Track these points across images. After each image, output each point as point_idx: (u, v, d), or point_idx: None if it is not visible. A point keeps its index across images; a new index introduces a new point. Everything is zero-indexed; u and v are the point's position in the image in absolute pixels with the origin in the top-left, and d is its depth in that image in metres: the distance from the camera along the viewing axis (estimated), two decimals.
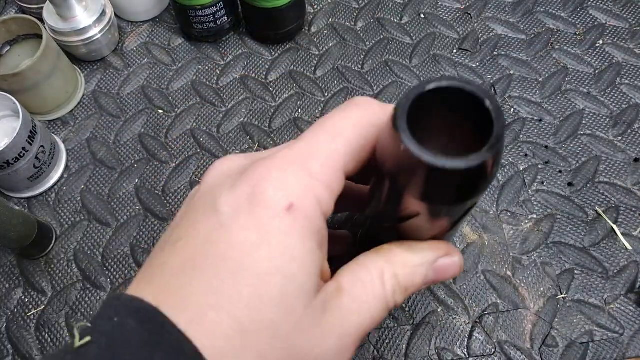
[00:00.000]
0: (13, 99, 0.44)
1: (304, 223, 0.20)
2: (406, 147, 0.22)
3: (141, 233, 0.45)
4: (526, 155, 0.47)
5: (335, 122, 0.22)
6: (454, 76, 0.24)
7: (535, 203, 0.45)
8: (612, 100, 0.49)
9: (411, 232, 0.30)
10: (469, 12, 0.56)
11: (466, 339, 0.40)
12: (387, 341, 0.40)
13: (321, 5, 0.57)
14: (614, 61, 0.51)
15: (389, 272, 0.23)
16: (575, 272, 0.42)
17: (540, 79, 0.51)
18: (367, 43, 0.55)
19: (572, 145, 0.47)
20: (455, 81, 0.23)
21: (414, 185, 0.24)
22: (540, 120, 0.49)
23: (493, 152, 0.22)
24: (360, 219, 0.45)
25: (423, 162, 0.22)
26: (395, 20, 0.56)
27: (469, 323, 0.40)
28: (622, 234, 0.43)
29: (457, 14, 0.56)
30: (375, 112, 0.23)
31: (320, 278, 0.21)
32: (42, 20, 0.50)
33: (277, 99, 0.52)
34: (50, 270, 0.44)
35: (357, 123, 0.22)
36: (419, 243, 0.24)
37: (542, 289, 0.41)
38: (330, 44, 0.55)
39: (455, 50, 0.54)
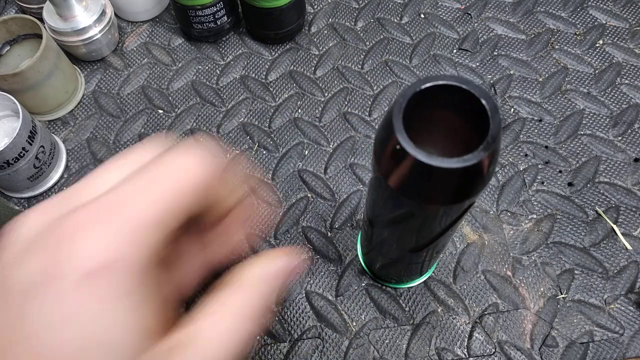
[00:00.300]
0: (13, 99, 0.44)
1: (113, 286, 0.17)
2: (402, 147, 0.22)
3: None
4: (526, 155, 0.47)
5: (151, 172, 0.20)
6: (451, 75, 0.24)
7: (535, 203, 0.45)
8: (612, 100, 0.49)
9: (410, 232, 0.30)
10: (469, 12, 0.56)
11: (466, 339, 0.40)
12: (387, 341, 0.40)
13: (321, 5, 0.57)
14: (614, 61, 0.51)
15: (236, 316, 0.20)
16: (575, 272, 0.42)
17: (540, 79, 0.51)
18: (367, 43, 0.55)
19: (572, 145, 0.47)
20: (452, 80, 0.23)
21: (410, 186, 0.24)
22: (540, 120, 0.49)
23: (489, 151, 0.21)
24: (360, 222, 0.45)
25: (418, 162, 0.22)
26: (395, 20, 0.56)
27: (469, 323, 0.40)
28: (622, 234, 0.43)
29: (457, 14, 0.56)
30: (204, 173, 0.21)
31: (151, 336, 0.19)
32: (42, 20, 0.50)
33: (277, 99, 0.52)
34: None
35: (175, 175, 0.20)
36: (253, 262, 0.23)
37: (542, 289, 0.41)
38: (330, 44, 0.55)
39: (455, 50, 0.54)
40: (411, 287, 0.42)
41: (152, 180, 0.20)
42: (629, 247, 0.42)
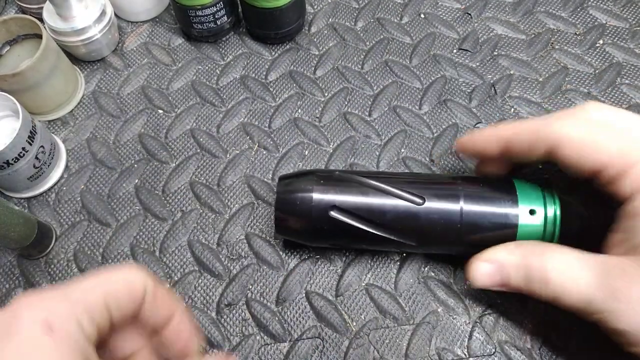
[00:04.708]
0: (13, 99, 0.44)
1: (61, 343, 0.21)
2: None
3: (141, 233, 0.45)
4: None
5: (106, 273, 0.27)
6: None
7: None
8: (612, 100, 0.49)
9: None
10: (469, 12, 0.56)
11: (466, 339, 0.40)
12: (387, 341, 0.40)
13: (321, 5, 0.57)
14: (614, 61, 0.51)
15: None
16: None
17: (541, 79, 0.51)
18: (367, 43, 0.55)
19: None
20: None
21: None
22: None
23: None
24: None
25: None
26: (395, 20, 0.56)
27: (469, 323, 0.40)
28: None
29: (457, 14, 0.56)
30: (143, 281, 0.28)
31: None
32: (42, 20, 0.50)
33: (277, 99, 0.52)
34: (50, 270, 0.44)
35: (126, 279, 0.27)
36: None
37: None
38: (330, 44, 0.55)
39: (455, 50, 0.54)
40: (411, 287, 0.42)
41: (97, 278, 0.26)
42: None
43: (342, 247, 0.43)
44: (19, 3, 0.55)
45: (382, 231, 0.37)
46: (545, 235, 0.36)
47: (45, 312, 0.22)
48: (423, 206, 0.37)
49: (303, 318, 0.41)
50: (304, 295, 0.42)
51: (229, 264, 0.43)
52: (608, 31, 0.53)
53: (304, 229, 0.38)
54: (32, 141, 0.44)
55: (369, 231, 0.37)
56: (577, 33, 0.54)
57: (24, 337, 0.21)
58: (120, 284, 0.26)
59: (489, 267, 0.36)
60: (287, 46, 0.55)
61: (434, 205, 0.37)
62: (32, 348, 0.21)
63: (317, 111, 0.51)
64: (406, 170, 0.47)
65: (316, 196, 0.37)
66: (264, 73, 0.53)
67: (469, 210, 0.36)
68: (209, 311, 0.42)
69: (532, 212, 0.36)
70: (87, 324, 0.23)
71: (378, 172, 0.46)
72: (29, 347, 0.21)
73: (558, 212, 0.36)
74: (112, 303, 0.25)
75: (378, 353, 0.39)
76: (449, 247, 0.39)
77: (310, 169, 0.42)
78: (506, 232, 0.36)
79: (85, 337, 0.23)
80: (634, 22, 0.54)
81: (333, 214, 0.37)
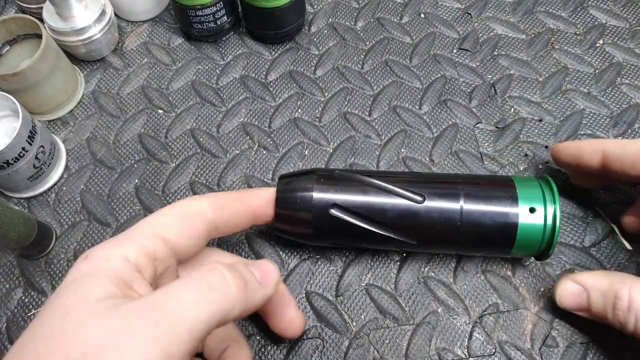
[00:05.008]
0: (13, 98, 0.44)
1: (91, 264, 0.27)
2: None
3: None
4: (526, 155, 0.47)
5: (163, 209, 0.32)
6: None
7: None
8: (612, 100, 0.49)
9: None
10: (469, 12, 0.56)
11: (466, 339, 0.40)
12: (387, 341, 0.40)
13: (321, 5, 0.57)
14: (614, 61, 0.51)
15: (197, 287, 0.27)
16: (576, 271, 0.42)
17: (541, 79, 0.51)
18: (367, 43, 0.55)
19: None
20: None
21: None
22: (541, 120, 0.49)
23: None
24: None
25: None
26: (395, 20, 0.56)
27: (469, 323, 0.40)
28: (622, 233, 0.43)
29: (457, 14, 0.56)
30: (197, 203, 0.33)
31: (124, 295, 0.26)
32: (41, 20, 0.50)
33: (277, 99, 0.52)
34: (50, 270, 0.44)
35: (183, 208, 0.32)
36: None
37: (542, 289, 0.41)
38: (330, 44, 0.55)
39: (455, 50, 0.54)
40: (412, 287, 0.42)
41: (156, 214, 0.32)
42: (629, 247, 0.42)
43: (343, 246, 0.43)
44: (19, 3, 0.55)
45: (383, 229, 0.37)
46: (546, 234, 0.36)
47: (89, 252, 0.28)
48: (423, 204, 0.37)
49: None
50: (304, 295, 0.42)
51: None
52: (608, 31, 0.53)
53: (304, 228, 0.38)
54: (32, 141, 0.44)
55: (369, 229, 0.37)
56: (577, 33, 0.54)
57: (73, 265, 0.28)
58: (174, 215, 0.31)
59: (575, 287, 0.36)
60: (287, 46, 0.55)
61: (434, 203, 0.37)
62: (70, 273, 0.27)
63: (317, 111, 0.51)
64: (406, 170, 0.47)
65: (316, 195, 0.37)
66: (264, 73, 0.53)
67: (469, 208, 0.36)
68: None
69: (532, 210, 0.36)
70: (132, 253, 0.28)
71: (378, 171, 0.46)
72: (70, 274, 0.27)
73: (558, 211, 0.36)
74: (167, 232, 0.30)
75: (378, 353, 0.39)
76: (449, 245, 0.39)
77: (311, 168, 0.42)
78: (506, 231, 0.36)
79: (127, 262, 0.27)
80: (634, 22, 0.54)
81: (333, 212, 0.37)
